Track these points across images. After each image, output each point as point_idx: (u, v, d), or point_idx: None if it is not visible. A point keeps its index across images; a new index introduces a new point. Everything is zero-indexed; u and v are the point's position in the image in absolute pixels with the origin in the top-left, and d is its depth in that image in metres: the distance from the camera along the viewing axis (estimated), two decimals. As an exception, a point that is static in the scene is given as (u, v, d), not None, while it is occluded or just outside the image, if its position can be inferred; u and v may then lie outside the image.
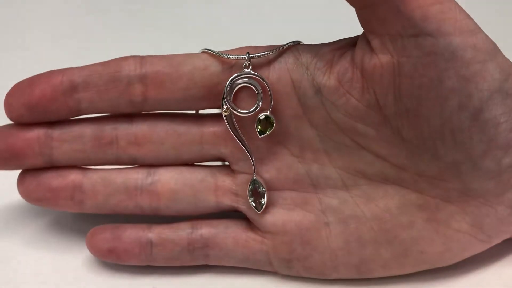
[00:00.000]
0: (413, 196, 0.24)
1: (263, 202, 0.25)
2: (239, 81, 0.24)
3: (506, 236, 0.24)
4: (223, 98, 0.24)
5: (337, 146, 0.24)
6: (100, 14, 0.52)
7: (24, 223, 0.29)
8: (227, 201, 0.25)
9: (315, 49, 0.24)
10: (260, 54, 0.24)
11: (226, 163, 0.26)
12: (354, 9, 0.23)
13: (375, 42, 0.22)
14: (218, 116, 0.25)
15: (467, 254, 0.24)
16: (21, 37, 0.47)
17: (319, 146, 0.24)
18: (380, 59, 0.22)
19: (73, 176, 0.25)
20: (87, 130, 0.25)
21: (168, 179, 0.25)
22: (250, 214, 0.25)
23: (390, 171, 0.24)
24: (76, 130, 0.25)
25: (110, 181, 0.25)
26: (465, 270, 0.25)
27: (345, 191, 0.25)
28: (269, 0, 0.53)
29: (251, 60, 0.24)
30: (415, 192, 0.24)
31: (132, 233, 0.25)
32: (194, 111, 0.26)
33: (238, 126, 0.25)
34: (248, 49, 0.24)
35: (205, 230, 0.25)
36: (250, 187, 0.25)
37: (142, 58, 0.24)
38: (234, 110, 0.24)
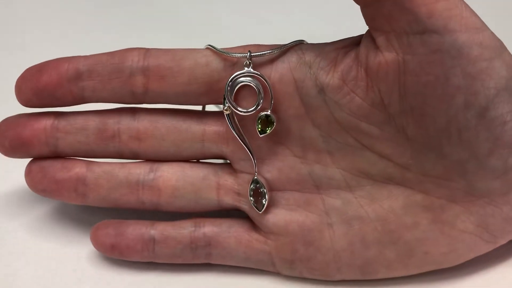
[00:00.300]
0: (418, 196, 0.23)
1: (264, 202, 0.24)
2: (240, 79, 0.24)
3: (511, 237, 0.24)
4: (224, 96, 0.24)
5: (340, 146, 0.24)
6: (102, 12, 0.52)
7: (28, 210, 0.29)
8: (229, 200, 0.25)
9: (319, 48, 0.24)
10: (262, 52, 0.23)
11: (228, 161, 0.26)
12: (357, 8, 0.23)
13: (380, 40, 0.22)
14: (220, 115, 0.25)
15: (472, 255, 0.24)
16: (20, 36, 0.48)
17: (322, 147, 0.24)
18: (385, 56, 0.22)
19: (77, 169, 0.25)
20: (91, 123, 0.25)
21: (170, 175, 0.25)
22: (252, 214, 0.25)
23: (394, 171, 0.23)
24: (80, 122, 0.25)
25: (113, 175, 0.25)
26: (469, 271, 0.25)
27: (349, 192, 0.24)
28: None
29: (253, 58, 0.23)
30: (420, 193, 0.23)
31: (135, 230, 0.25)
32: (198, 107, 0.26)
33: (240, 125, 0.24)
34: (251, 48, 0.24)
35: (208, 228, 0.25)
36: (251, 186, 0.24)
37: (147, 50, 0.25)
38: (235, 108, 0.24)
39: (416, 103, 0.22)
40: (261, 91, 0.23)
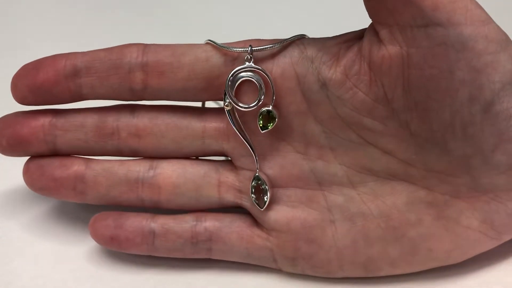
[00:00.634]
0: (422, 192, 0.23)
1: (265, 199, 0.24)
2: (241, 74, 0.23)
3: None
4: (225, 92, 0.23)
5: (343, 142, 0.24)
6: (101, 7, 0.51)
7: (26, 209, 0.29)
8: (231, 198, 0.25)
9: (321, 43, 0.23)
10: (263, 47, 0.23)
11: (229, 158, 0.26)
12: (357, 4, 0.22)
13: (384, 33, 0.21)
14: (220, 111, 0.25)
15: (476, 252, 0.24)
16: (20, 35, 0.47)
17: (324, 143, 0.24)
18: (389, 50, 0.21)
19: (76, 167, 0.25)
20: (89, 120, 0.25)
21: (170, 173, 0.25)
22: (253, 211, 0.25)
23: (398, 167, 0.23)
24: (79, 119, 0.25)
25: (112, 172, 0.25)
26: (472, 268, 0.24)
27: (351, 188, 0.24)
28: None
29: (254, 53, 0.23)
30: (424, 189, 0.23)
31: (135, 222, 0.25)
32: (197, 104, 0.26)
33: (241, 121, 0.24)
34: (252, 42, 0.23)
35: (210, 223, 0.25)
36: (253, 183, 0.24)
37: (145, 46, 0.24)
38: (236, 104, 0.23)
39: (420, 97, 0.21)
40: (262, 86, 0.23)
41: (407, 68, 0.21)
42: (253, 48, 0.23)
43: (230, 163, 0.25)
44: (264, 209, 0.24)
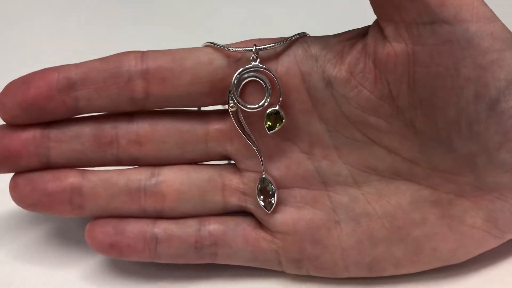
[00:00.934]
0: (426, 192, 0.23)
1: (272, 202, 0.24)
2: (246, 75, 0.23)
3: None
4: (230, 93, 0.23)
5: (347, 141, 0.23)
6: (98, 9, 0.50)
7: (17, 233, 0.28)
8: (235, 201, 0.24)
9: (324, 41, 0.23)
10: (267, 46, 0.23)
11: (232, 162, 0.25)
12: (355, 2, 0.22)
13: (389, 30, 0.21)
14: (222, 113, 0.24)
15: (480, 251, 0.24)
16: (20, 34, 0.46)
17: (329, 142, 0.24)
18: (394, 47, 0.21)
19: (71, 179, 0.24)
20: (86, 129, 0.24)
21: (174, 179, 0.24)
22: (259, 214, 0.24)
23: (402, 166, 0.23)
24: (74, 129, 0.24)
25: (112, 183, 0.24)
26: (474, 268, 0.25)
27: (356, 188, 0.24)
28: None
29: (258, 53, 0.23)
30: (428, 188, 0.23)
31: (136, 227, 0.24)
32: (195, 108, 0.25)
33: (246, 123, 0.24)
34: (253, 43, 0.23)
35: (214, 227, 0.24)
36: (259, 186, 0.24)
37: (143, 53, 0.23)
38: (242, 105, 0.23)
39: (425, 95, 0.21)
40: (268, 86, 0.23)
41: (412, 65, 0.21)
42: (257, 47, 0.23)
43: (232, 166, 0.25)
44: (270, 212, 0.24)
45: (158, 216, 0.24)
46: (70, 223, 0.28)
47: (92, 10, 0.50)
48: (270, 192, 0.24)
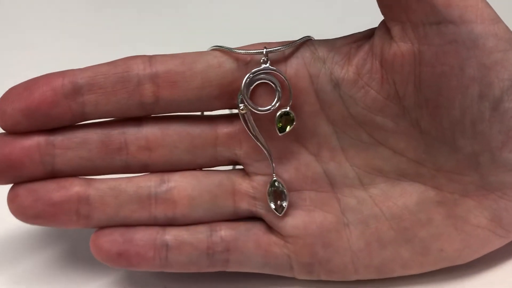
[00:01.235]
0: (431, 192, 0.24)
1: (284, 205, 0.24)
2: (256, 77, 0.23)
3: None
4: (240, 95, 0.23)
5: (354, 142, 0.24)
6: (101, 11, 0.49)
7: (18, 257, 0.27)
8: (245, 206, 0.24)
9: (330, 43, 0.24)
10: (277, 48, 0.23)
11: (238, 167, 0.25)
12: (356, 7, 0.23)
13: (396, 30, 0.22)
14: (230, 117, 0.24)
15: (485, 251, 0.24)
16: (21, 36, 0.45)
17: (336, 144, 0.24)
18: (401, 47, 0.22)
19: (78, 188, 0.23)
20: (93, 135, 0.23)
21: (185, 184, 0.24)
22: (269, 218, 0.24)
23: (408, 167, 0.23)
24: (80, 135, 0.23)
25: (121, 190, 0.23)
26: (477, 269, 0.25)
27: (363, 190, 0.24)
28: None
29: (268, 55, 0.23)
30: (433, 188, 0.23)
31: (145, 235, 0.23)
32: (199, 113, 0.25)
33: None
34: (260, 46, 0.23)
35: (225, 232, 0.24)
36: (271, 188, 0.24)
37: (150, 57, 0.23)
38: (252, 107, 0.23)
39: (430, 94, 0.22)
40: (279, 88, 0.23)
41: (418, 65, 0.21)
42: (267, 49, 0.23)
43: (241, 171, 0.25)
44: (281, 215, 0.24)
45: (169, 224, 0.24)
46: (76, 245, 0.27)
47: (92, 12, 0.49)
48: (282, 195, 0.24)
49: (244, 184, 0.24)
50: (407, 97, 0.22)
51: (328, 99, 0.23)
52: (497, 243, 0.24)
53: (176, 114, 0.24)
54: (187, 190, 0.24)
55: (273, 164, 0.24)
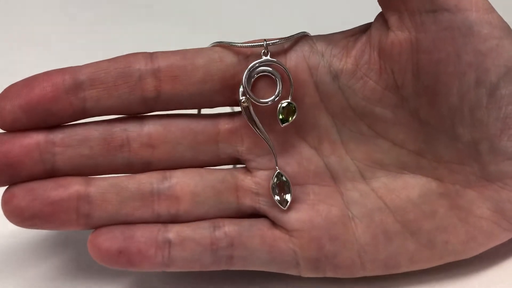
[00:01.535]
0: (433, 184, 0.24)
1: (288, 198, 0.23)
2: (258, 69, 0.23)
3: None
4: (241, 88, 0.23)
5: (354, 135, 0.24)
6: (101, 7, 0.50)
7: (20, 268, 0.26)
8: (248, 202, 0.24)
9: (328, 38, 0.24)
10: (276, 40, 0.23)
11: (239, 166, 0.25)
12: (352, 5, 0.23)
13: (393, 19, 0.22)
14: (231, 114, 0.24)
15: (491, 244, 0.24)
16: (21, 36, 0.45)
17: (336, 137, 0.24)
18: (398, 36, 0.22)
19: (77, 186, 0.22)
20: (94, 133, 0.23)
21: (188, 181, 0.23)
22: (273, 213, 0.24)
23: (408, 159, 0.24)
24: (81, 133, 0.23)
25: (122, 187, 0.23)
26: (476, 268, 0.25)
27: (365, 184, 0.24)
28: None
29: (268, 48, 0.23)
30: (435, 180, 0.24)
31: (147, 232, 0.22)
32: (195, 111, 0.25)
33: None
34: (260, 41, 0.23)
35: (229, 227, 0.23)
36: (274, 180, 0.23)
37: (151, 54, 0.23)
38: (254, 100, 0.23)
39: (428, 81, 0.22)
40: (280, 80, 0.23)
41: (416, 53, 0.22)
42: (268, 42, 0.23)
43: (243, 168, 0.25)
44: (286, 209, 0.23)
45: (172, 221, 0.23)
46: (78, 257, 0.26)
47: (92, 12, 0.49)
48: (286, 188, 0.23)
49: (246, 180, 0.24)
50: (405, 86, 0.23)
51: (328, 90, 0.23)
52: (502, 237, 0.24)
53: (177, 112, 0.24)
54: (190, 186, 0.23)
55: (276, 157, 0.24)
